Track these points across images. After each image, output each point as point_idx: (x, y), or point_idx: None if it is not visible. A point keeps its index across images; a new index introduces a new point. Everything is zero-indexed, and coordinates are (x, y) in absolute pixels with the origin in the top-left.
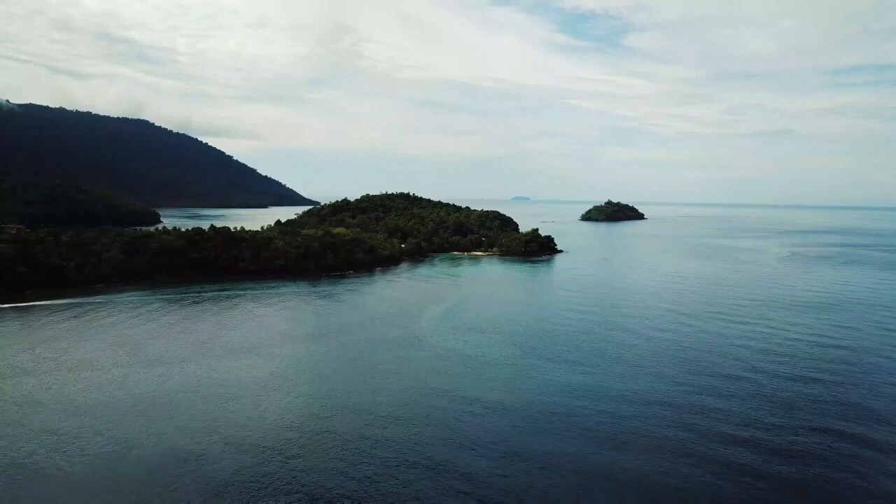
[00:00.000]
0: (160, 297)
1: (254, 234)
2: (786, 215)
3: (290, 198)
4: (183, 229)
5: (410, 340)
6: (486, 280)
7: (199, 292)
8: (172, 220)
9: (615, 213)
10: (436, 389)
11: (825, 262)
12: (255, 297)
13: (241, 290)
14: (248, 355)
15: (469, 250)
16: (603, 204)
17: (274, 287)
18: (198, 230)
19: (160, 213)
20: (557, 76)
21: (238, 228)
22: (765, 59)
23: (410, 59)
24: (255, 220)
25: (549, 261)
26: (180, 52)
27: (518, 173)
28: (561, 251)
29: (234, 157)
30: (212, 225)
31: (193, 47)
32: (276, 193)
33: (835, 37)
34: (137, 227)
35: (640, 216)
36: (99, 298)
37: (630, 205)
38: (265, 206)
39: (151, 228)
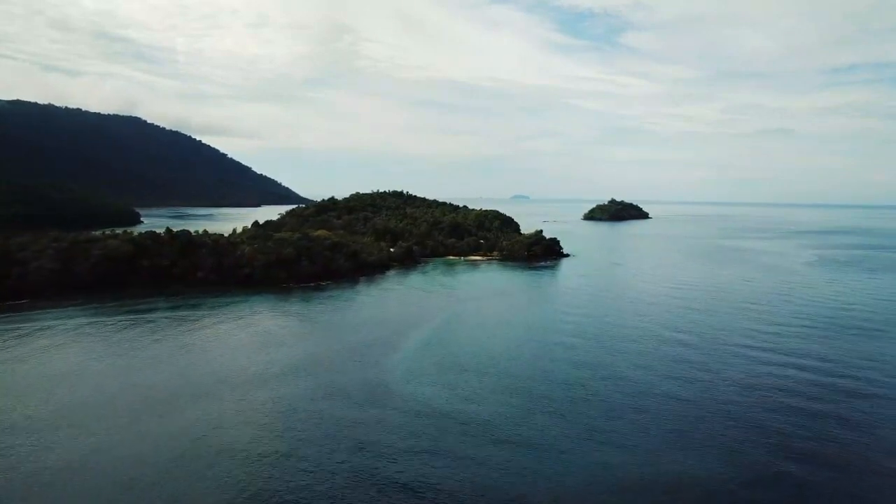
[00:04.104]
0: (87, 317)
1: (216, 239)
2: (787, 214)
3: (286, 197)
4: (135, 233)
5: (376, 390)
6: (485, 292)
7: (141, 311)
8: (155, 219)
9: (619, 212)
10: (393, 484)
11: (859, 269)
12: (205, 317)
13: (192, 307)
14: (153, 416)
15: (467, 254)
16: (606, 203)
17: (233, 302)
18: (151, 234)
19: (147, 212)
20: (556, 75)
21: (201, 231)
22: (764, 58)
23: (410, 59)
24: (245, 219)
25: (554, 267)
26: (179, 51)
27: (517, 173)
28: (567, 255)
29: (230, 156)
30: (167, 228)
31: (192, 46)
32: (272, 192)
33: (834, 36)
34: (100, 229)
35: (645, 215)
36: (8, 320)
37: (634, 203)
38: (258, 206)
39: (97, 232)
